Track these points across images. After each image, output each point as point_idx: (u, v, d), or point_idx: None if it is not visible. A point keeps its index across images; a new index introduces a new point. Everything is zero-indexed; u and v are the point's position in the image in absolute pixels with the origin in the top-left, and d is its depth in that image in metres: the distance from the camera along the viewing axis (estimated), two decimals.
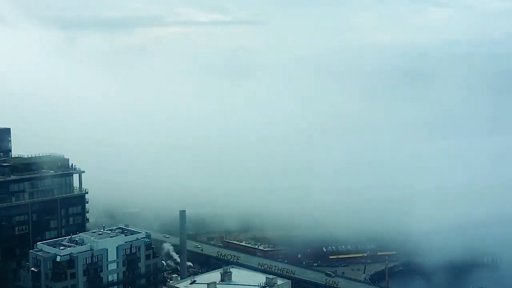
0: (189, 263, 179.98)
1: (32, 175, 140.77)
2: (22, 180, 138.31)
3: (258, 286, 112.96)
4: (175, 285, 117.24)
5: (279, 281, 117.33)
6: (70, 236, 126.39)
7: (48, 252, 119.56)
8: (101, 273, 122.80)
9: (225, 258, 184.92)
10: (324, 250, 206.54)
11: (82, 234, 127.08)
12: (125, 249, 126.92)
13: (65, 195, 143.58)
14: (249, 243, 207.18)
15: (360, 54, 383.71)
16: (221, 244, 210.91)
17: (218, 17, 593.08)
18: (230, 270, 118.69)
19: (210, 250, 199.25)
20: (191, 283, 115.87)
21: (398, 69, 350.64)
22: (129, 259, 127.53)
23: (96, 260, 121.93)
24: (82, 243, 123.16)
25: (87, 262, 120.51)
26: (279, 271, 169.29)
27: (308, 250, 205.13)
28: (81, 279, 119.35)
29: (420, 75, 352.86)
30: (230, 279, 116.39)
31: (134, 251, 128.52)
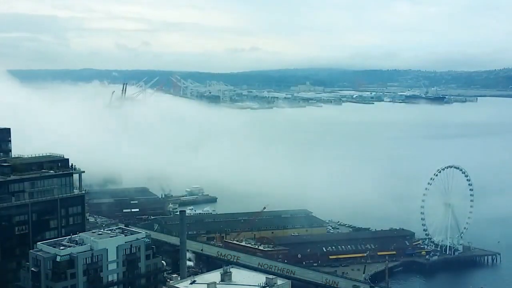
0: (190, 263, 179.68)
1: (32, 175, 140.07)
2: (22, 180, 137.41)
3: (258, 286, 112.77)
4: (175, 285, 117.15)
5: (279, 281, 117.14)
6: (70, 236, 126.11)
7: (48, 252, 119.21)
8: (101, 273, 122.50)
9: (225, 258, 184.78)
10: (324, 250, 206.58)
11: (82, 234, 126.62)
12: (125, 249, 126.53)
13: (65, 195, 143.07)
14: (249, 243, 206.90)
15: None
16: (221, 244, 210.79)
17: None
18: (230, 270, 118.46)
19: (210, 250, 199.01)
20: (191, 283, 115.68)
21: None
22: (129, 259, 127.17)
23: (96, 260, 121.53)
24: (82, 243, 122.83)
25: (87, 262, 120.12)
26: (279, 271, 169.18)
27: (308, 250, 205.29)
28: (81, 279, 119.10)
29: None
30: (230, 279, 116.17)
31: (134, 251, 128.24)
